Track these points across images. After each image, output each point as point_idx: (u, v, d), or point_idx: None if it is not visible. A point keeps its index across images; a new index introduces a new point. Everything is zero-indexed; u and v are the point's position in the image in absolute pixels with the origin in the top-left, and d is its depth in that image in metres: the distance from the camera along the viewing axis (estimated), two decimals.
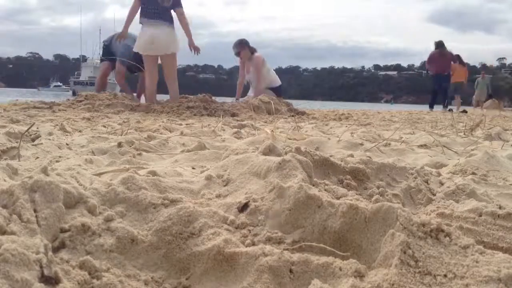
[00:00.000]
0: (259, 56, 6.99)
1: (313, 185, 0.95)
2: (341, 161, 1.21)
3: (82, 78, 44.38)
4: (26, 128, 2.16)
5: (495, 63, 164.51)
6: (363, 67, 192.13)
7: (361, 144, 2.18)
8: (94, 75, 45.95)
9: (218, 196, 0.97)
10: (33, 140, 2.17)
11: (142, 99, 6.62)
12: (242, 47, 6.92)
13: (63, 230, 0.68)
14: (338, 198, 0.92)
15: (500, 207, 0.88)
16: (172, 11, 5.83)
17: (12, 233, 0.56)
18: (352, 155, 1.67)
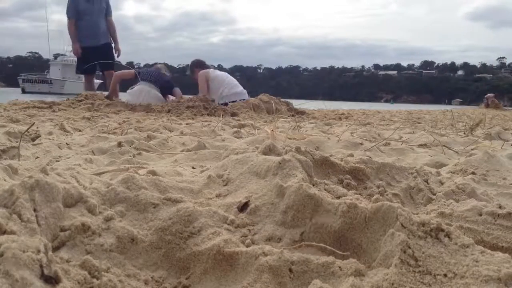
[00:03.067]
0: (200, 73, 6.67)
1: (313, 185, 0.95)
2: (341, 160, 1.21)
3: (52, 76, 44.06)
4: (26, 128, 2.16)
5: (495, 63, 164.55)
6: (363, 66, 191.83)
7: (361, 144, 2.18)
8: (62, 73, 44.75)
9: (218, 195, 0.97)
10: (33, 139, 2.17)
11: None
12: (193, 71, 6.77)
13: (63, 230, 0.68)
14: (338, 198, 0.92)
15: (500, 207, 0.88)
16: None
17: (12, 232, 0.56)
18: (352, 155, 1.67)
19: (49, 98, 6.69)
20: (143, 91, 6.03)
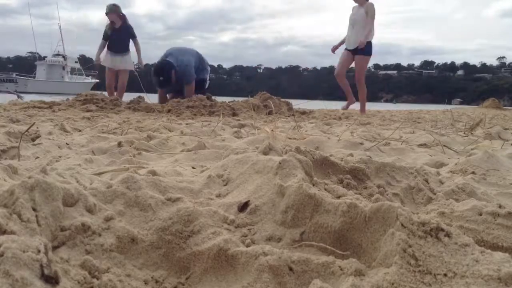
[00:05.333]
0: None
1: (313, 185, 0.95)
2: (341, 160, 1.21)
3: (38, 77, 45.23)
4: (26, 128, 2.16)
5: (495, 62, 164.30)
6: None
7: (361, 144, 2.18)
8: (48, 74, 45.17)
9: (218, 195, 0.97)
10: (33, 139, 2.17)
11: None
12: None
13: (63, 230, 0.68)
14: (338, 198, 0.92)
15: (500, 206, 0.88)
16: None
17: (12, 232, 0.56)
18: (352, 155, 1.67)
19: (14, 97, 6.76)
20: None
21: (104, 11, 7.41)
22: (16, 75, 43.60)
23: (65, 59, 47.38)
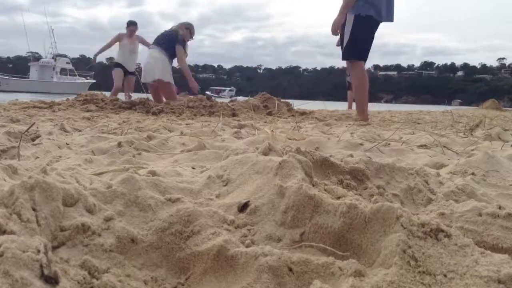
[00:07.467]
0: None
1: (313, 185, 0.95)
2: (341, 161, 1.21)
3: (31, 77, 46.27)
4: (26, 128, 2.16)
5: (495, 63, 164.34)
6: None
7: (361, 144, 2.18)
8: (40, 74, 46.21)
9: (218, 196, 0.97)
10: (33, 139, 2.17)
11: None
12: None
13: (63, 230, 0.68)
14: (338, 198, 0.92)
15: (500, 207, 0.88)
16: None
17: (12, 232, 0.56)
18: (352, 155, 1.67)
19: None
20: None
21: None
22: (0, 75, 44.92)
23: (55, 60, 48.21)
